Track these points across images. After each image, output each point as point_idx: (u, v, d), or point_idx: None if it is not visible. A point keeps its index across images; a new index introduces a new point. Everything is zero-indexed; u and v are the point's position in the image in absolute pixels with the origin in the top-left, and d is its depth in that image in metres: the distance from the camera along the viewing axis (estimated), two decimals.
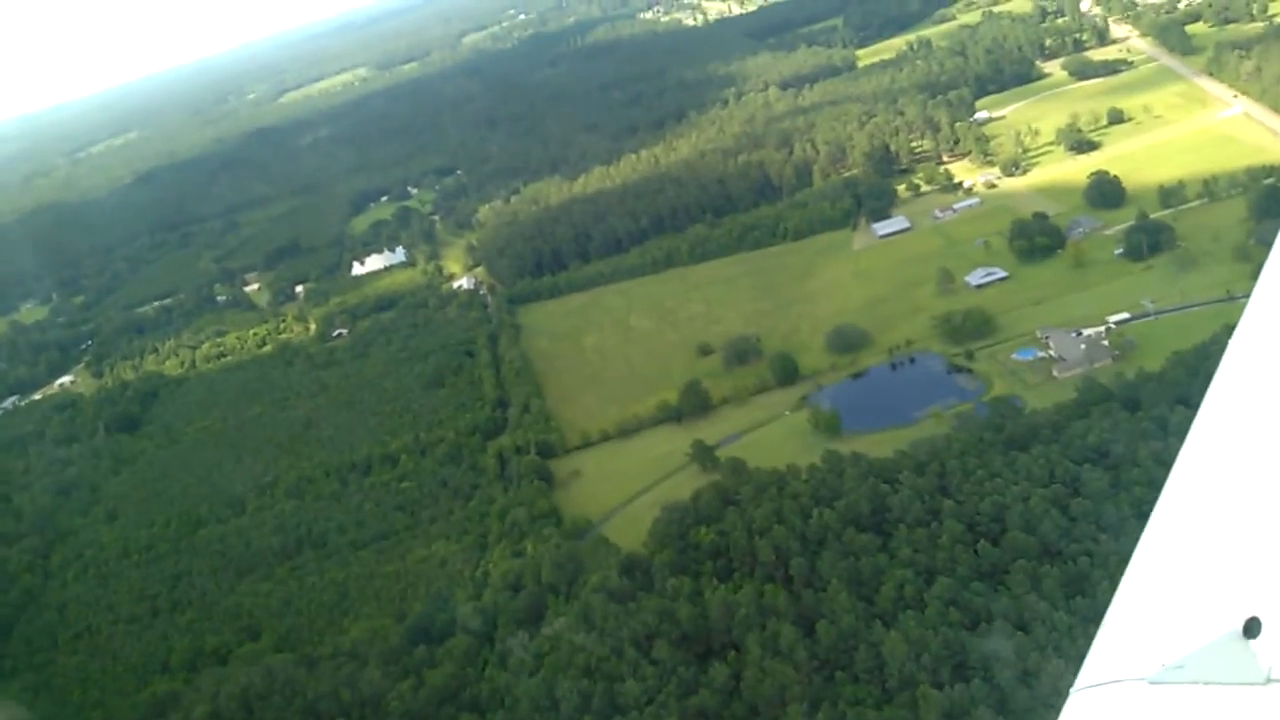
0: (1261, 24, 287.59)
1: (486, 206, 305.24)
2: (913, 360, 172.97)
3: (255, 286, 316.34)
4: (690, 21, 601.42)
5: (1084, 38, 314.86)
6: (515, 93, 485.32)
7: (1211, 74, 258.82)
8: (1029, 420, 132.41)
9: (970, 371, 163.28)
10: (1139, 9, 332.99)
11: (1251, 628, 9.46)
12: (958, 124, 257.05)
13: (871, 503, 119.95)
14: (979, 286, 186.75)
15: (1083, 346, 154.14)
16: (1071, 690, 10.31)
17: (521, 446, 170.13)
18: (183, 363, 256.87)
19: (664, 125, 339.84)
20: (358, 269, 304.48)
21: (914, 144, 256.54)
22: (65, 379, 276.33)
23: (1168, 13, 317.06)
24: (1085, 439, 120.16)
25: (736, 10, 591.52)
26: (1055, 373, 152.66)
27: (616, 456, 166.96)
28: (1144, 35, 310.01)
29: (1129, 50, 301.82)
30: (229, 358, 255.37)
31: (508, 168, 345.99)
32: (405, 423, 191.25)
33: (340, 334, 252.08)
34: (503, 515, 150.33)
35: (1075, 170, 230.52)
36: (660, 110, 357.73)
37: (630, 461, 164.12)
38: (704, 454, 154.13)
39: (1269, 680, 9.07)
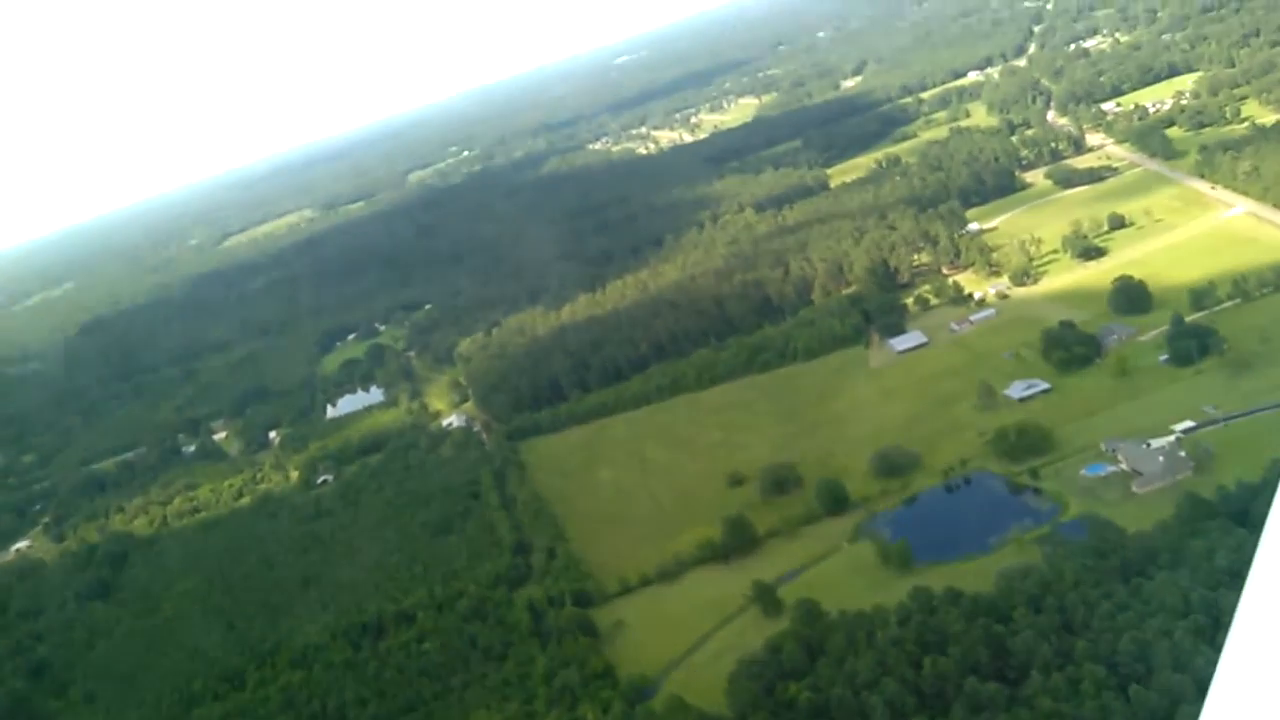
0: (1239, 126, 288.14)
1: (467, 340, 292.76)
2: (968, 481, 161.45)
3: (223, 435, 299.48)
4: (643, 150, 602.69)
5: (1060, 147, 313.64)
6: (475, 225, 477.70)
7: (1203, 176, 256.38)
8: (1137, 543, 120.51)
9: (1038, 491, 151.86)
10: (1108, 118, 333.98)
11: None
12: (959, 236, 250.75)
13: (989, 647, 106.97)
14: (1022, 400, 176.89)
15: (1161, 459, 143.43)
16: None
17: (555, 597, 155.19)
18: (152, 521, 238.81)
19: (641, 251, 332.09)
20: (333, 411, 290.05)
21: (914, 258, 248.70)
22: (21, 544, 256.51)
23: (1140, 119, 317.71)
24: (1212, 560, 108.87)
25: (688, 138, 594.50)
26: (1135, 488, 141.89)
27: (662, 602, 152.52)
28: (1120, 142, 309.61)
29: (1108, 157, 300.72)
30: (204, 513, 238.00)
31: (482, 300, 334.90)
32: (416, 576, 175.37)
33: (325, 481, 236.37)
34: (549, 678, 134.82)
35: (1087, 277, 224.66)
36: (634, 236, 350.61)
37: (678, 607, 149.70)
38: (766, 596, 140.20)
39: None
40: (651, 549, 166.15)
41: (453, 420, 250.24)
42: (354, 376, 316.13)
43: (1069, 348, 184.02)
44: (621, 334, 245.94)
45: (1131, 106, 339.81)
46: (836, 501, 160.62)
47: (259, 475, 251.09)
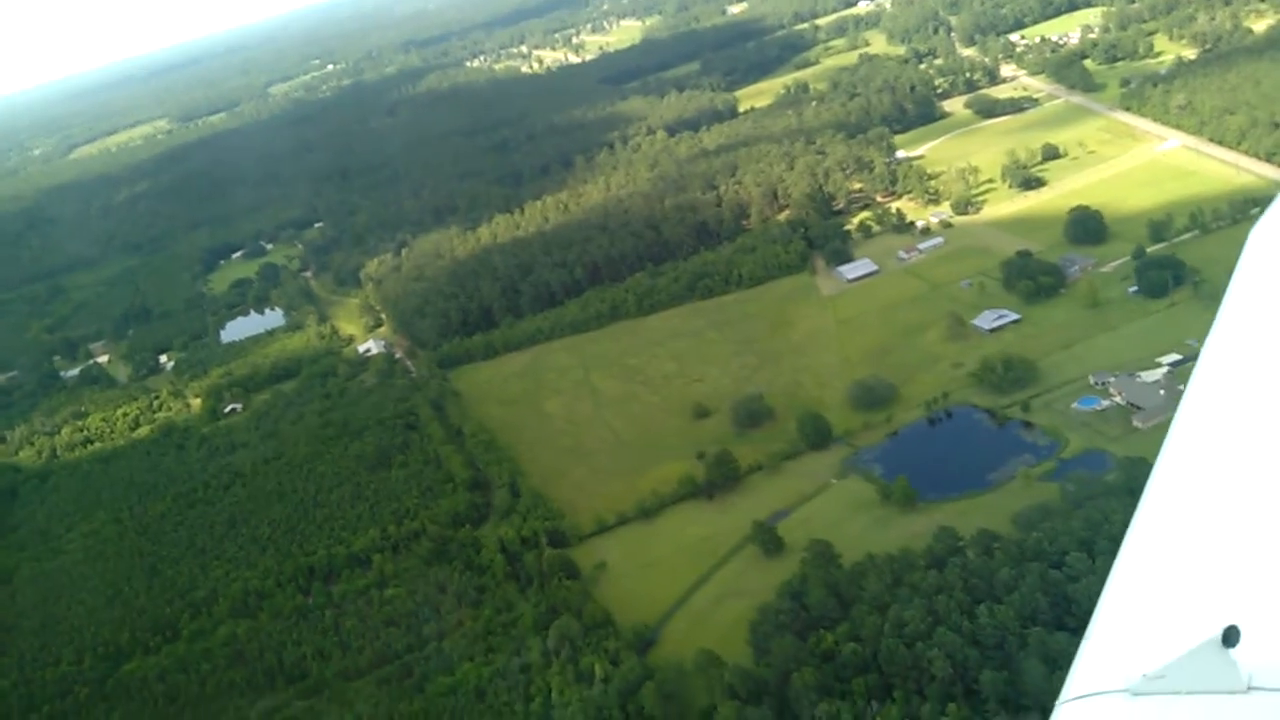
0: (1154, 60, 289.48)
1: (374, 261, 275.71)
2: (949, 414, 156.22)
3: (105, 358, 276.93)
4: (527, 69, 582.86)
5: (976, 77, 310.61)
6: (359, 141, 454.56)
7: (1129, 109, 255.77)
8: None
9: (1028, 425, 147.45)
10: (1018, 49, 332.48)
11: (1230, 636, 9.76)
12: (899, 163, 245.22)
13: (1047, 595, 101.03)
14: (992, 331, 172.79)
15: (1161, 392, 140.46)
16: (1058, 704, 10.60)
17: (527, 537, 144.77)
18: (40, 452, 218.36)
19: (551, 171, 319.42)
20: (227, 334, 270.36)
21: (850, 185, 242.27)
22: None
23: (1053, 52, 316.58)
24: None
25: (574, 59, 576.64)
26: (1137, 423, 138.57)
27: (644, 542, 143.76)
28: (1035, 74, 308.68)
29: (1024, 88, 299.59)
30: (98, 444, 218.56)
31: (382, 219, 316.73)
32: (362, 514, 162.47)
33: (234, 410, 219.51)
34: (541, 626, 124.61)
35: (1030, 206, 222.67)
36: (539, 156, 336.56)
37: (664, 548, 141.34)
38: (765, 536, 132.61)
39: (1250, 688, 9.28)
40: (621, 485, 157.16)
41: (370, 346, 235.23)
42: (246, 297, 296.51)
43: (1034, 277, 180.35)
44: (552, 257, 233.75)
45: (1038, 39, 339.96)
46: (820, 435, 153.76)
47: (156, 403, 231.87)
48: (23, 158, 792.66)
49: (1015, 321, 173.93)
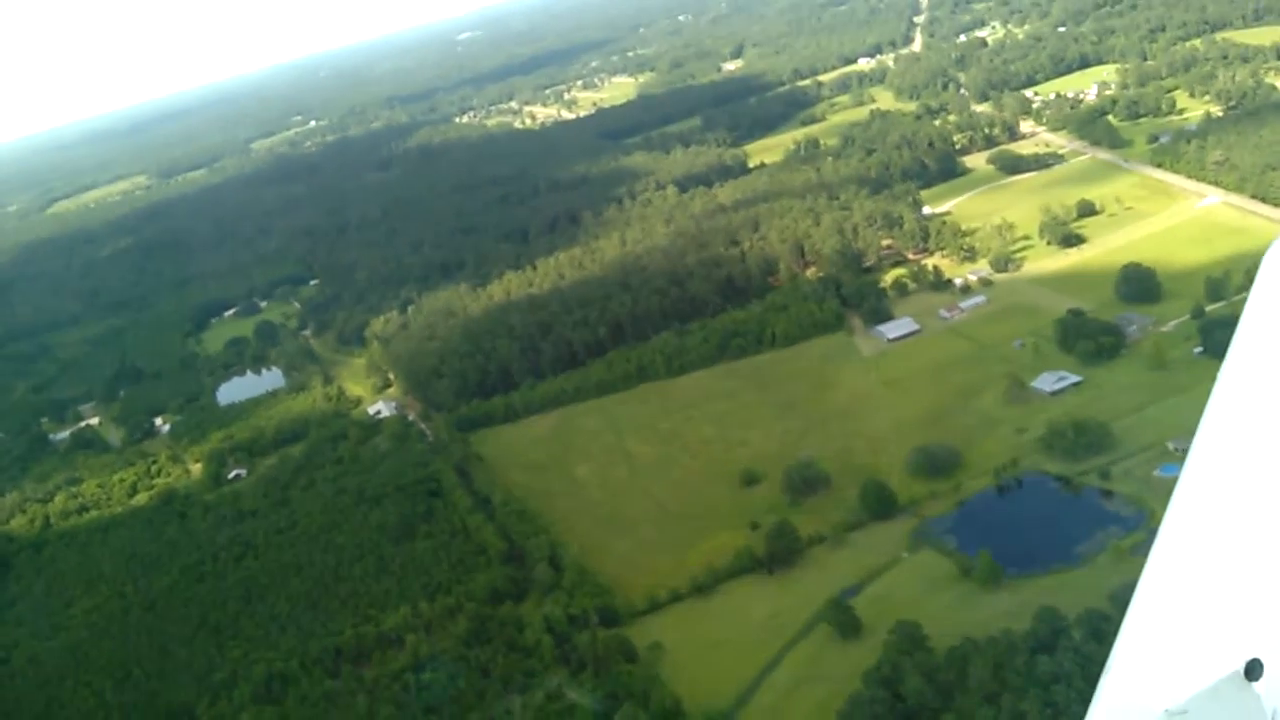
0: (1178, 117, 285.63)
1: (379, 320, 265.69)
2: (1019, 482, 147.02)
3: (96, 420, 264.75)
4: (519, 125, 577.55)
5: (995, 133, 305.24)
6: (352, 196, 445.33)
7: (1161, 165, 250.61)
8: None
9: (1107, 494, 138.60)
10: (1034, 105, 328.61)
11: (1253, 669, 9.77)
12: (929, 219, 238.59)
13: None
14: (1054, 394, 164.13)
15: None
16: None
17: (576, 615, 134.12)
18: (33, 521, 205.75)
19: (557, 227, 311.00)
20: (226, 395, 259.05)
21: (881, 241, 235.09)
22: None
23: (1072, 108, 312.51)
24: None
25: (568, 115, 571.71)
26: None
27: (703, 621, 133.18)
28: (1055, 129, 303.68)
29: (1047, 144, 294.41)
30: (94, 512, 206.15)
31: (383, 276, 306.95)
32: (389, 589, 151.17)
33: (238, 475, 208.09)
34: (601, 716, 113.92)
35: (1072, 264, 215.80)
36: (546, 211, 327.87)
37: (725, 627, 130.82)
38: (841, 615, 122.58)
39: None
40: (670, 557, 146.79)
41: (380, 408, 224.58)
42: (243, 357, 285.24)
43: (1094, 337, 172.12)
44: (572, 315, 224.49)
45: (1053, 95, 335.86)
46: (884, 505, 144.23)
47: (154, 468, 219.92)
48: None
49: (1077, 384, 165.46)
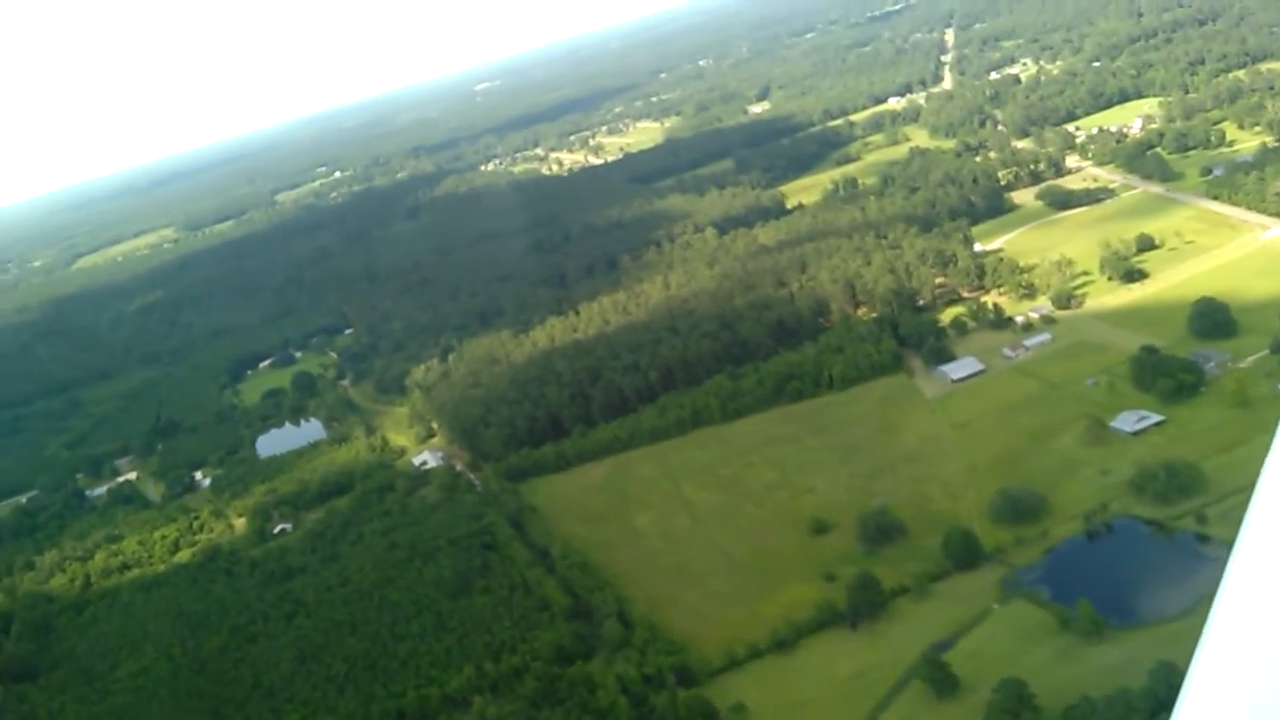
0: (1228, 149, 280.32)
1: (422, 368, 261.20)
2: (1109, 528, 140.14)
3: (134, 475, 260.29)
4: (547, 171, 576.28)
5: (1041, 168, 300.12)
6: (383, 245, 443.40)
7: (1218, 198, 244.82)
8: None
9: (1203, 539, 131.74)
10: (1078, 140, 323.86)
11: None
12: (985, 256, 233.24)
13: None
14: (1135, 434, 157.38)
15: None
16: None
17: (651, 675, 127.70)
18: (73, 580, 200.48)
19: (595, 272, 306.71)
20: (265, 447, 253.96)
21: (936, 280, 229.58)
22: None
23: (1117, 142, 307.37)
24: None
25: (595, 160, 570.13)
26: None
27: (786, 679, 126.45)
28: (1102, 164, 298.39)
29: (1094, 179, 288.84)
30: (136, 570, 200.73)
31: (421, 325, 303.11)
32: (451, 648, 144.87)
33: (284, 530, 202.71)
34: None
35: (1136, 300, 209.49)
36: (583, 256, 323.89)
37: (811, 686, 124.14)
38: (938, 672, 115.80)
39: None
40: (743, 611, 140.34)
41: (425, 458, 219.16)
42: (281, 409, 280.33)
43: (1173, 375, 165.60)
44: (621, 360, 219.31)
45: (1095, 130, 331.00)
46: (968, 553, 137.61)
47: (196, 523, 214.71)
48: (23, 269, 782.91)
49: (1159, 423, 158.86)
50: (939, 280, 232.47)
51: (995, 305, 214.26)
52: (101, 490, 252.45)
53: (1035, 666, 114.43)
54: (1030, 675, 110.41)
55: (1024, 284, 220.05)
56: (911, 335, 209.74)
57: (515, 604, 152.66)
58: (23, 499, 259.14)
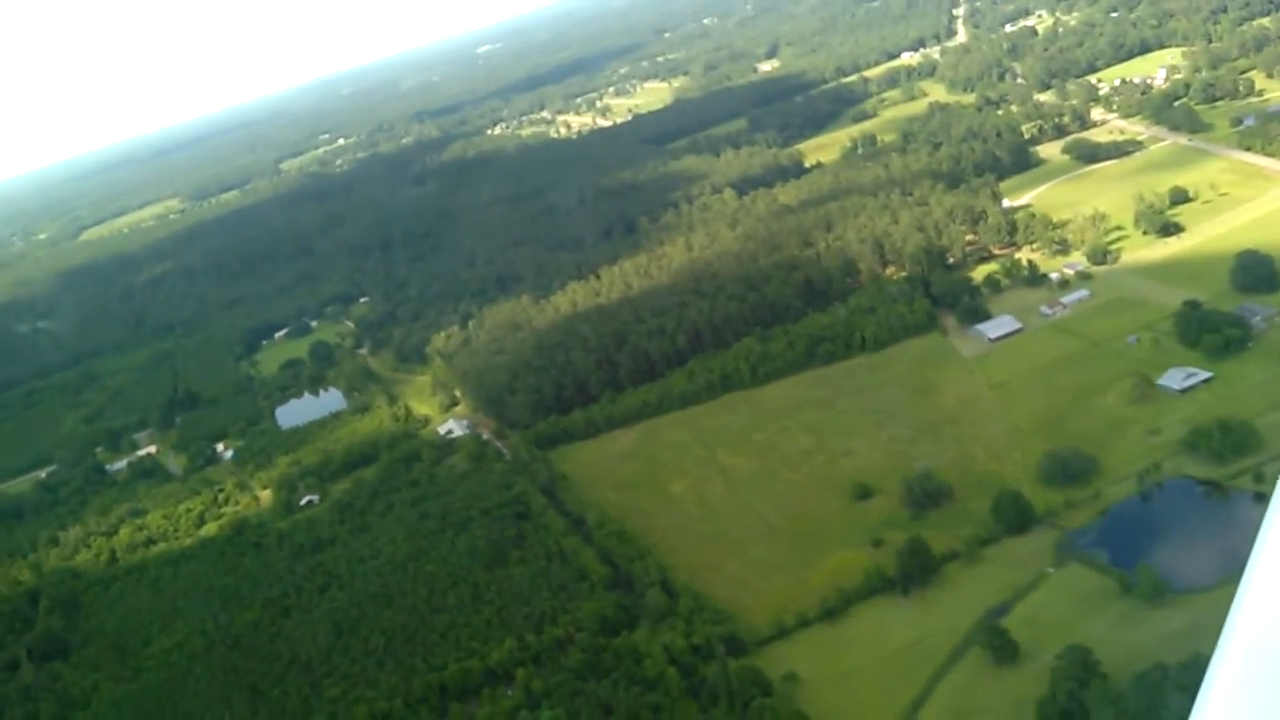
0: (1260, 98, 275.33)
1: (442, 335, 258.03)
2: (1161, 488, 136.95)
3: (153, 448, 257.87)
4: (555, 134, 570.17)
5: (1065, 121, 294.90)
6: (393, 212, 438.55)
7: (1250, 149, 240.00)
8: None
9: (1263, 498, 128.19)
10: (1101, 93, 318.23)
11: None
12: (1016, 211, 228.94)
13: None
14: (1183, 391, 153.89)
15: None
16: None
17: (700, 645, 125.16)
18: (99, 555, 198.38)
19: (613, 235, 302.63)
20: (286, 418, 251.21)
21: (967, 237, 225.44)
22: None
23: (1143, 94, 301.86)
24: None
25: (604, 122, 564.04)
26: None
27: (837, 648, 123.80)
28: (1127, 116, 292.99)
29: (1121, 131, 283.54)
30: (162, 544, 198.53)
31: (438, 292, 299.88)
32: (490, 619, 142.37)
33: (310, 502, 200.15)
34: None
35: (1173, 253, 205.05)
36: (599, 220, 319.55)
37: (863, 654, 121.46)
38: (996, 639, 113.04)
39: None
40: (788, 579, 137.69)
41: (450, 427, 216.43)
42: (299, 379, 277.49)
43: (1219, 329, 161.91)
44: (646, 325, 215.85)
45: (1118, 81, 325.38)
46: (1019, 516, 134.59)
47: (221, 496, 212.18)
48: (28, 242, 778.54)
49: (1207, 380, 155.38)
50: (969, 237, 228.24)
51: (1029, 262, 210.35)
52: (122, 464, 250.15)
53: (1097, 632, 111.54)
54: (1093, 642, 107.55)
55: (1057, 240, 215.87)
56: (944, 294, 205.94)
57: (553, 574, 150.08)
58: (42, 474, 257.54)
